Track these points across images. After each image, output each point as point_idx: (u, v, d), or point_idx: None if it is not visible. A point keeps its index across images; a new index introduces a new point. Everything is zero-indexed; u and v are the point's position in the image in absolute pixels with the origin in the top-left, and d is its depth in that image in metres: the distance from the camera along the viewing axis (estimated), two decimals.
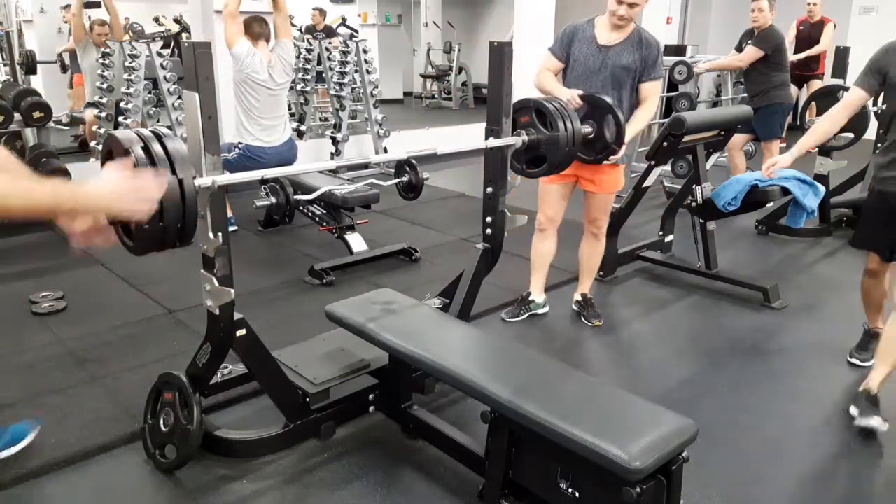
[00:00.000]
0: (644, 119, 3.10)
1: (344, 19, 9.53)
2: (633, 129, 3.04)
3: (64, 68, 7.55)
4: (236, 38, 4.09)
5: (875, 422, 2.42)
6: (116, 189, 1.43)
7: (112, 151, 1.68)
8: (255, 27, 4.24)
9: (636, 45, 3.01)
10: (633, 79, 3.04)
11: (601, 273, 3.99)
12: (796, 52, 7.40)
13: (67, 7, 7.46)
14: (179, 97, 5.26)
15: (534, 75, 3.18)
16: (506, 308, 3.51)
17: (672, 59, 6.46)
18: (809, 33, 7.39)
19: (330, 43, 7.65)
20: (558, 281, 3.83)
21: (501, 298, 3.61)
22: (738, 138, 5.31)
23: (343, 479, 2.22)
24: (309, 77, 7.31)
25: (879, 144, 4.91)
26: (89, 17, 6.69)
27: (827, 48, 7.01)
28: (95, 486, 2.19)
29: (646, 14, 8.59)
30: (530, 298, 3.46)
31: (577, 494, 1.77)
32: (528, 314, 3.45)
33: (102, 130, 5.38)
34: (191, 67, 1.85)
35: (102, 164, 1.73)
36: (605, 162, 3.02)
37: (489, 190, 2.60)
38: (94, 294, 3.66)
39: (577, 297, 3.52)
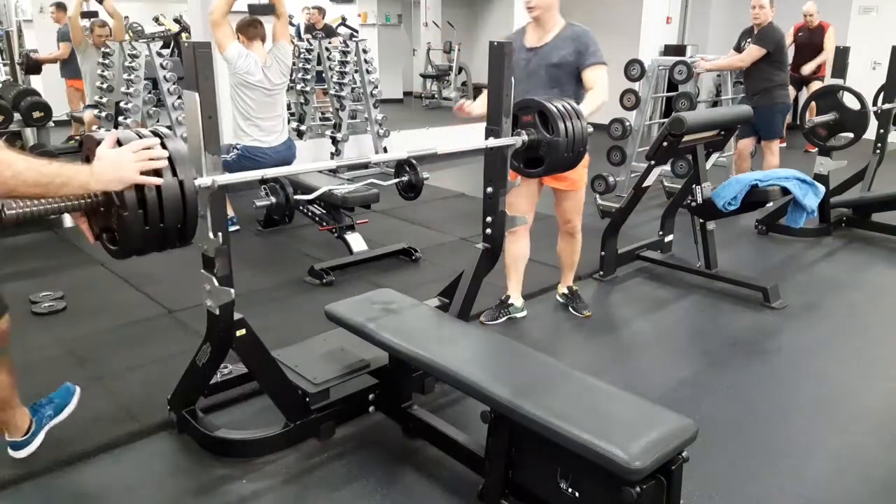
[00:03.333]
0: (591, 102, 2.93)
1: (344, 19, 9.51)
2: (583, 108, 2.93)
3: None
4: (226, 41, 4.09)
5: None
6: (117, 157, 1.58)
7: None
8: (250, 29, 4.24)
9: (566, 39, 3.01)
10: (573, 74, 3.02)
11: (601, 273, 4.00)
12: (796, 57, 7.38)
13: (59, 6, 7.43)
14: (179, 97, 5.26)
15: None
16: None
17: (672, 59, 6.45)
18: (810, 39, 7.40)
19: (329, 42, 7.65)
20: (556, 281, 3.82)
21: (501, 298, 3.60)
22: (745, 144, 5.32)
23: (343, 479, 2.22)
24: (309, 77, 7.30)
25: None
26: (91, 20, 6.69)
27: (831, 52, 6.99)
28: (95, 486, 2.20)
29: (646, 14, 8.63)
30: (509, 302, 3.42)
31: (577, 494, 1.77)
32: (506, 317, 3.40)
33: (102, 130, 5.38)
34: (191, 67, 1.85)
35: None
36: None
37: (489, 190, 2.60)
38: (94, 294, 3.66)
39: (563, 290, 3.55)
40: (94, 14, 6.63)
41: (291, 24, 6.35)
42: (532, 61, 3.05)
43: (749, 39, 5.15)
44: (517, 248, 3.37)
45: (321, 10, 8.87)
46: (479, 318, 3.36)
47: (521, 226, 3.16)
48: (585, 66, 2.99)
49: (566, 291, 3.54)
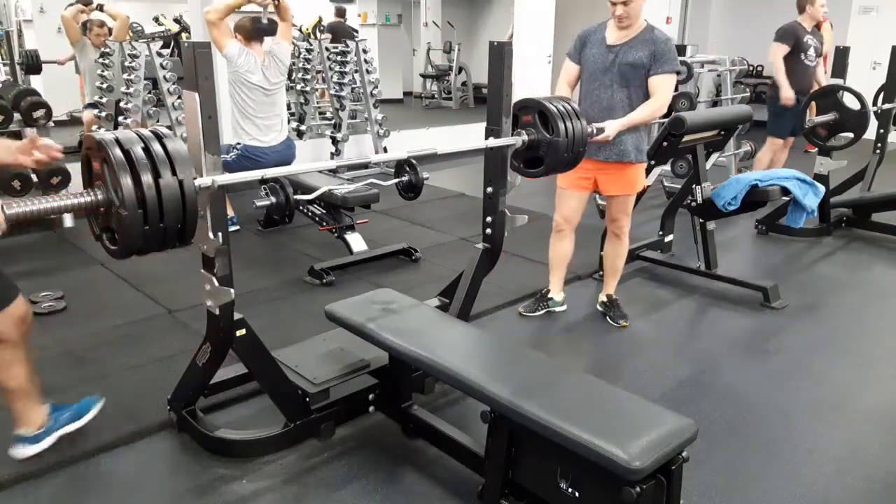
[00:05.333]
0: (647, 110, 3.03)
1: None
2: (631, 118, 3.01)
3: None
4: (223, 39, 4.08)
5: None
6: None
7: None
8: (250, 28, 4.23)
9: (645, 42, 3.04)
10: (644, 76, 3.06)
11: (600, 273, 3.99)
12: None
13: (72, 5, 7.44)
14: (179, 97, 5.25)
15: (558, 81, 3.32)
16: (512, 305, 3.57)
17: None
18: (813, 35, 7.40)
19: (328, 41, 7.64)
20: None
21: (501, 298, 3.61)
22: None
23: (343, 479, 2.22)
24: (309, 77, 7.30)
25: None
26: (90, 20, 6.67)
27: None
28: (95, 486, 2.19)
29: (646, 14, 8.62)
30: (549, 296, 3.52)
31: (577, 494, 1.77)
32: (545, 311, 3.50)
33: (102, 130, 5.38)
34: (191, 67, 1.85)
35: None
36: (612, 159, 3.12)
37: (489, 190, 2.60)
38: (94, 294, 3.66)
39: (603, 297, 3.54)
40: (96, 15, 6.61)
41: (293, 24, 6.33)
42: (610, 59, 3.08)
43: (812, 37, 5.20)
44: (562, 247, 3.44)
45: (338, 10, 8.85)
46: (479, 318, 3.37)
47: (566, 227, 3.38)
48: (655, 72, 3.03)
49: (605, 300, 3.51)
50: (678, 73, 3.09)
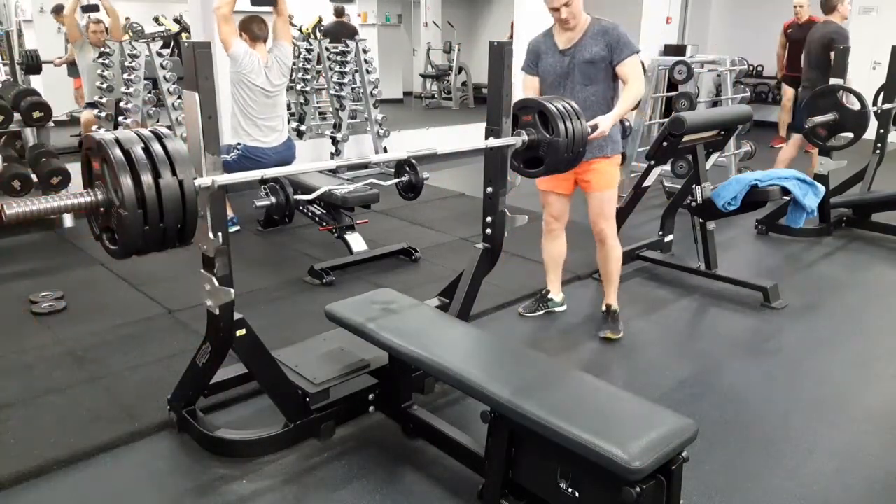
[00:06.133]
0: (630, 97, 3.01)
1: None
2: (620, 108, 2.99)
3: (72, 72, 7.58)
4: (231, 37, 4.06)
5: None
6: None
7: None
8: (255, 29, 4.22)
9: (595, 36, 3.01)
10: (606, 69, 3.03)
11: (599, 273, 3.99)
12: (791, 55, 7.34)
13: (60, 9, 7.45)
14: (179, 97, 5.26)
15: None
16: (512, 305, 3.56)
17: (672, 59, 6.45)
18: (801, 34, 7.40)
19: (328, 42, 7.64)
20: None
21: (501, 298, 3.61)
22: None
23: (343, 479, 2.22)
24: (309, 77, 7.30)
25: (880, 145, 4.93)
26: (89, 17, 6.68)
27: None
28: (95, 486, 2.19)
29: (646, 14, 8.63)
30: (549, 297, 3.51)
31: (577, 494, 1.77)
32: (545, 311, 3.50)
33: (102, 130, 5.37)
34: (191, 67, 1.85)
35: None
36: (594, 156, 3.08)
37: (489, 190, 2.60)
38: (94, 294, 3.66)
39: (604, 305, 3.44)
40: (95, 8, 6.61)
41: (293, 24, 6.33)
42: (566, 62, 3.06)
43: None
44: (554, 246, 3.42)
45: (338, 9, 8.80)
46: (478, 318, 3.37)
47: (557, 226, 3.35)
48: (619, 60, 3.00)
49: (604, 309, 3.40)
50: (638, 51, 3.07)
